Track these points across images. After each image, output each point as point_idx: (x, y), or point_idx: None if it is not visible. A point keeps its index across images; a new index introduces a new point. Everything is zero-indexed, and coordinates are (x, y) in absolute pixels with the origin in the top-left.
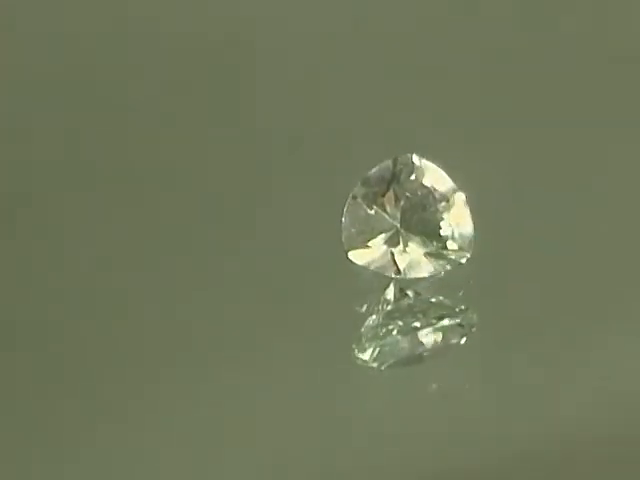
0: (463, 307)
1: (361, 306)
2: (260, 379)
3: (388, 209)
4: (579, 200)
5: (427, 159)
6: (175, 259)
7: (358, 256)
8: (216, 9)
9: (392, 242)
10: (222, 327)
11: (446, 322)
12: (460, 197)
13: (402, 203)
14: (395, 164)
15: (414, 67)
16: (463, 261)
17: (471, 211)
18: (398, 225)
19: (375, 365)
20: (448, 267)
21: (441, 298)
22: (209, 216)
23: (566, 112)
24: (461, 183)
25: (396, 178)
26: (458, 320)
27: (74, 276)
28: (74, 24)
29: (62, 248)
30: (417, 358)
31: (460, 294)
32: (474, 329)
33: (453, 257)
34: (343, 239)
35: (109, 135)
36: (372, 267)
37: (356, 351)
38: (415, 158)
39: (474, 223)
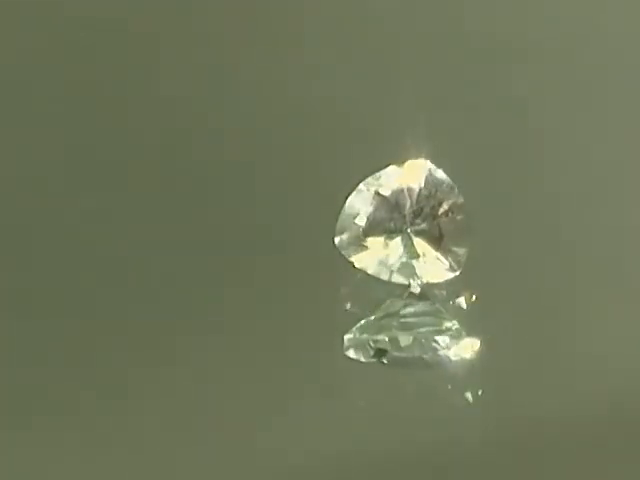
0: (458, 324)
1: (354, 304)
2: (256, 375)
3: (399, 210)
4: (578, 209)
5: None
6: (172, 258)
7: (351, 252)
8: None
9: (395, 244)
10: (219, 324)
11: (447, 332)
12: (463, 211)
13: (414, 207)
14: (410, 167)
15: (418, 69)
16: (456, 274)
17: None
18: (408, 229)
19: (367, 361)
20: (441, 278)
21: (443, 307)
22: (206, 215)
23: (567, 121)
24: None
25: (410, 181)
26: (455, 332)
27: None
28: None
29: (61, 245)
30: (414, 361)
31: (461, 301)
32: (473, 346)
33: (445, 270)
34: (338, 229)
35: (108, 133)
36: (364, 265)
37: (348, 345)
38: (430, 165)
39: (473, 236)
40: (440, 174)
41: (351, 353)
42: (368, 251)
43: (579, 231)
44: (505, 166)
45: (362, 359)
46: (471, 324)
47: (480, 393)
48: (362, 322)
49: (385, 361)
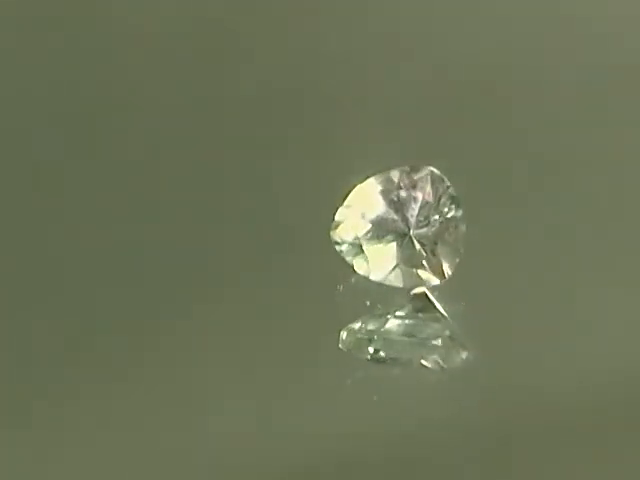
0: (453, 330)
1: (352, 302)
2: (254, 373)
3: (404, 213)
4: (575, 216)
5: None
6: (171, 258)
7: (349, 252)
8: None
9: (395, 247)
10: (218, 323)
11: (442, 338)
12: (462, 222)
13: (418, 212)
14: (416, 172)
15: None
16: (445, 280)
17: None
18: (411, 232)
19: (365, 359)
20: (430, 284)
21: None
22: (205, 214)
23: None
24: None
25: (418, 186)
26: (450, 338)
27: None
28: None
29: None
30: (409, 364)
31: (456, 308)
32: (467, 353)
33: (434, 277)
34: (335, 226)
35: (108, 128)
36: (360, 266)
37: (346, 343)
38: (436, 172)
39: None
40: (445, 182)
41: (349, 351)
42: (365, 252)
43: (575, 238)
44: (504, 172)
45: (359, 357)
46: (467, 330)
47: (475, 394)
48: (360, 321)
49: (381, 361)
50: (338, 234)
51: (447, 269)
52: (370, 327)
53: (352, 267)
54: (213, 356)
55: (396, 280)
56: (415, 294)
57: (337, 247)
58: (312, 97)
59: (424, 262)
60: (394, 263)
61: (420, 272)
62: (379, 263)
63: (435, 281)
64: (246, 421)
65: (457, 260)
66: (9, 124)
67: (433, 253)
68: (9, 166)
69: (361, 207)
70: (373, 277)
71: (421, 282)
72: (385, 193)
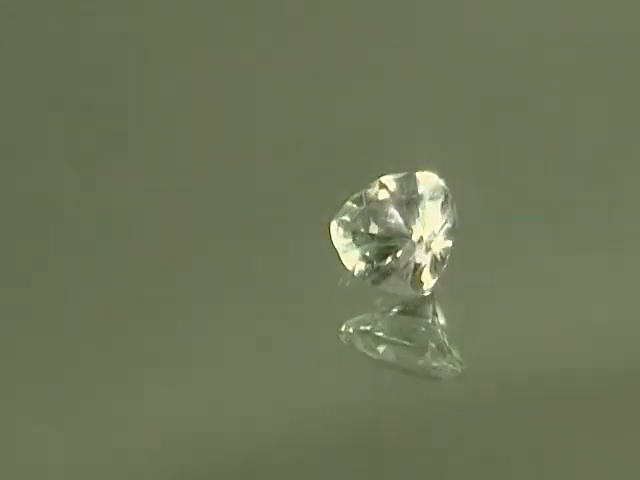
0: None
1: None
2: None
3: (409, 218)
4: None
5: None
6: (173, 258)
7: (345, 249)
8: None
9: (396, 250)
10: (219, 321)
11: (436, 345)
12: (449, 253)
13: (424, 221)
14: (434, 183)
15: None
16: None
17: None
18: (413, 238)
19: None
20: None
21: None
22: (206, 214)
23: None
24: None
25: (423, 194)
26: (443, 345)
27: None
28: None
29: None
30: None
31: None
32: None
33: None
34: (337, 217)
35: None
36: (354, 265)
37: (344, 329)
38: (447, 192)
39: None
40: (453, 204)
41: (347, 343)
42: (360, 250)
43: (574, 238)
44: (503, 172)
45: (357, 352)
46: (462, 336)
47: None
48: (362, 316)
49: (378, 361)
50: (337, 227)
51: (431, 282)
52: (371, 325)
53: (342, 263)
54: (213, 355)
55: (389, 285)
56: (418, 298)
57: (334, 242)
58: (316, 96)
59: (419, 269)
60: (388, 266)
61: (412, 278)
62: (371, 263)
63: (415, 292)
64: (245, 419)
65: (439, 275)
66: None
67: (424, 264)
68: None
69: (368, 205)
70: (359, 274)
71: (412, 289)
72: (395, 196)
